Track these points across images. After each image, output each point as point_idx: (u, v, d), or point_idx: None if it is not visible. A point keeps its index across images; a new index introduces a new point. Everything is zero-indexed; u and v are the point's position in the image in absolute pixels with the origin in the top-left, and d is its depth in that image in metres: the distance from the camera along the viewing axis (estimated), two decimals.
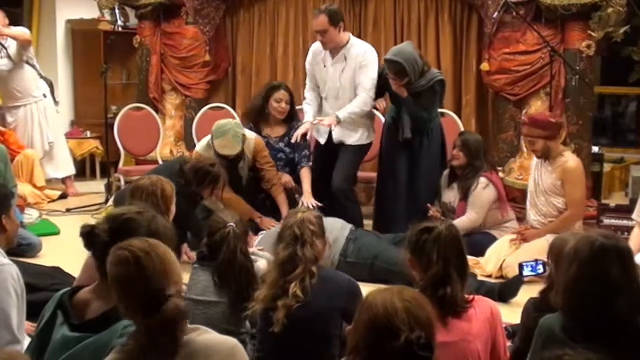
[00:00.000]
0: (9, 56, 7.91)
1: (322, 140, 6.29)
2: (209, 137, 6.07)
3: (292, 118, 6.49)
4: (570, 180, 5.47)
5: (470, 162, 5.94)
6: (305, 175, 6.18)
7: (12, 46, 7.93)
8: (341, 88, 6.19)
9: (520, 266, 4.49)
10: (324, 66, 6.24)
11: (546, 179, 5.54)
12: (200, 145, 6.22)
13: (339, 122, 6.06)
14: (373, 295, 2.23)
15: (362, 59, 6.10)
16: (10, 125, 8.09)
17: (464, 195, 5.92)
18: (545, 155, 5.55)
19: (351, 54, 6.13)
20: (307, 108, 6.33)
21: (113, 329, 2.48)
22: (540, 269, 4.36)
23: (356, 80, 6.13)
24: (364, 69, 6.10)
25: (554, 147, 5.54)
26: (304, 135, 6.16)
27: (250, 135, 6.15)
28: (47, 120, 8.22)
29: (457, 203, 5.99)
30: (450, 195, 6.09)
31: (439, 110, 6.46)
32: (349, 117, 6.09)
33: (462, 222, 5.79)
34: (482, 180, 5.91)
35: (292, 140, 6.22)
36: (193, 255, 5.19)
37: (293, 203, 6.05)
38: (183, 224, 5.01)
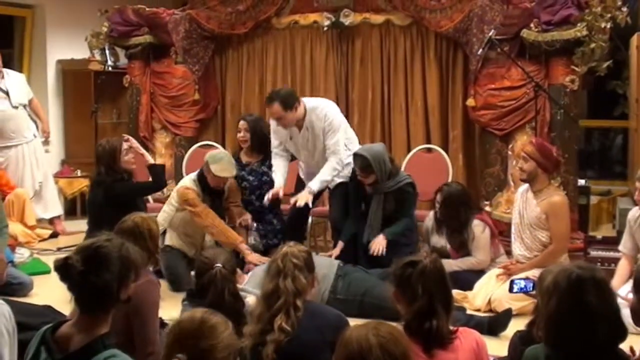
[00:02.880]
0: (8, 99, 8.05)
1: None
2: (192, 175, 6.31)
3: (265, 145, 6.57)
4: (555, 214, 5.50)
5: (452, 217, 5.96)
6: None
7: (12, 90, 8.09)
8: (312, 151, 6.30)
9: (512, 282, 4.52)
10: (290, 138, 6.34)
11: (531, 212, 5.57)
12: (184, 182, 6.32)
13: (313, 193, 6.13)
14: (349, 332, 2.27)
15: (324, 124, 6.15)
16: (1, 165, 8.14)
17: (459, 247, 5.95)
18: (530, 180, 5.59)
19: (312, 122, 6.19)
20: (274, 176, 6.36)
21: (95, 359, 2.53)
22: (530, 287, 4.40)
23: (325, 145, 6.20)
24: (328, 132, 6.15)
25: (542, 179, 5.57)
26: (275, 197, 6.24)
27: None
28: (37, 160, 8.30)
29: (451, 249, 6.01)
30: (442, 241, 6.07)
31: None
32: (323, 185, 6.19)
33: (470, 264, 5.89)
34: (478, 223, 5.95)
35: (265, 202, 6.28)
36: (245, 277, 5.47)
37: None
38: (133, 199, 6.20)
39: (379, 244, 5.86)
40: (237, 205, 6.45)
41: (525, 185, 5.71)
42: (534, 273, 4.54)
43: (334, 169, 6.15)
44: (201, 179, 6.18)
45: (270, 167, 6.48)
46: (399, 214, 6.05)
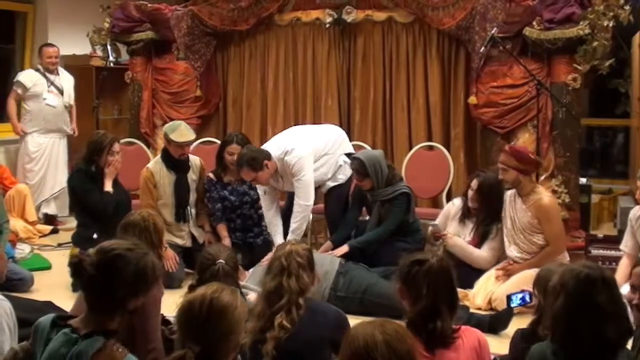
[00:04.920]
0: (61, 97, 8.35)
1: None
2: (155, 158, 6.60)
3: None
4: (546, 217, 5.49)
5: (485, 207, 5.87)
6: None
7: (66, 90, 8.40)
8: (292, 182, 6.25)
9: (508, 298, 4.51)
10: (264, 193, 6.36)
11: (522, 217, 5.55)
12: (150, 165, 6.52)
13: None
14: (355, 328, 2.27)
15: (292, 170, 6.12)
16: (32, 154, 8.32)
17: (481, 239, 5.87)
18: (515, 187, 5.57)
19: (284, 170, 6.18)
20: (273, 237, 6.30)
21: None
22: (527, 298, 4.40)
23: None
24: (294, 177, 6.13)
25: (525, 183, 5.55)
26: None
27: (195, 157, 6.66)
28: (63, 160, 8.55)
29: (472, 239, 5.94)
30: (460, 230, 5.99)
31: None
32: (297, 232, 6.15)
33: (477, 257, 5.82)
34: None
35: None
36: (247, 273, 5.45)
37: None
38: (86, 202, 6.29)
39: (338, 251, 5.88)
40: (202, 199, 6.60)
41: (513, 190, 5.68)
42: (528, 283, 4.47)
43: (298, 213, 6.13)
44: (164, 157, 6.39)
45: (250, 186, 6.48)
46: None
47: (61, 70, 8.48)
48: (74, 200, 6.59)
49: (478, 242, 5.88)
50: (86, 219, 6.33)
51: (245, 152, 6.13)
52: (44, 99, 8.25)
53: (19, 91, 8.24)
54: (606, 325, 2.55)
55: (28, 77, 8.27)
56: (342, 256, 5.77)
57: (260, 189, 6.35)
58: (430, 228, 6.03)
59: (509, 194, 5.74)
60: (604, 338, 2.55)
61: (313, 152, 6.21)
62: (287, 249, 3.52)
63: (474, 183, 5.92)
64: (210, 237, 6.43)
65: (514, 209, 5.61)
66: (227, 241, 6.31)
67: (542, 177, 6.74)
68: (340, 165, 6.39)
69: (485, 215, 5.87)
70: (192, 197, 6.47)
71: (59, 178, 8.43)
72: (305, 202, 6.11)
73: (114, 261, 2.66)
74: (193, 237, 6.45)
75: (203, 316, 2.54)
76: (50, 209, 8.38)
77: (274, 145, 6.24)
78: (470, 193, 5.94)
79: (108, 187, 6.33)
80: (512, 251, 5.65)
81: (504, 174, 5.56)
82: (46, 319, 2.72)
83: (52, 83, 8.30)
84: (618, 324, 2.58)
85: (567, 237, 6.31)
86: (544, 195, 5.60)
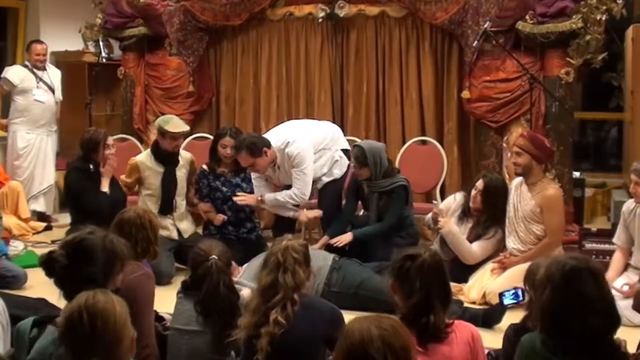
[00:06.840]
0: (52, 93, 8.36)
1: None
2: (146, 151, 6.69)
3: None
4: (549, 208, 5.50)
5: (488, 209, 5.81)
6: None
7: (55, 83, 8.42)
8: (289, 175, 6.24)
9: (501, 295, 4.51)
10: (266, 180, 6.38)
11: (525, 205, 5.57)
12: (139, 156, 6.54)
13: (262, 202, 6.25)
14: (351, 323, 2.28)
15: (293, 162, 6.12)
16: (21, 150, 8.29)
17: (476, 238, 5.82)
18: (525, 173, 5.58)
19: (283, 161, 6.18)
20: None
21: None
22: (520, 296, 4.40)
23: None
24: (295, 167, 6.12)
25: (536, 171, 5.57)
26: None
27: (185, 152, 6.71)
28: (51, 157, 8.52)
29: (467, 237, 5.87)
30: (461, 229, 5.90)
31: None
32: (273, 203, 6.22)
33: (468, 252, 5.76)
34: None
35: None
36: (240, 269, 5.46)
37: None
38: (82, 201, 6.24)
39: (342, 239, 5.87)
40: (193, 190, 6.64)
41: (519, 178, 5.68)
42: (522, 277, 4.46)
43: (290, 197, 6.15)
44: (155, 150, 6.39)
45: (243, 179, 6.50)
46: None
47: (49, 65, 8.46)
48: (69, 199, 6.57)
49: (472, 240, 5.84)
50: (81, 217, 6.31)
51: (245, 136, 6.15)
52: (33, 94, 8.23)
53: (5, 87, 8.23)
54: (593, 315, 2.57)
55: (15, 73, 8.24)
56: (337, 251, 5.76)
57: (255, 180, 6.34)
58: (434, 209, 5.98)
59: (515, 182, 5.75)
60: (591, 327, 2.57)
61: (312, 145, 6.20)
62: (284, 245, 3.51)
63: (479, 183, 5.87)
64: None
65: (519, 197, 5.62)
66: (220, 217, 6.36)
67: None
68: (337, 160, 6.38)
69: (487, 217, 5.83)
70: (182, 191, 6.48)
71: (47, 174, 8.41)
72: (301, 193, 6.11)
73: (82, 245, 2.69)
74: (179, 231, 6.43)
75: (87, 328, 2.41)
76: (39, 206, 8.35)
77: (274, 136, 6.24)
78: (473, 192, 5.89)
79: (105, 187, 6.32)
80: (510, 242, 5.66)
81: (518, 158, 5.56)
82: (25, 322, 2.73)
83: (41, 79, 8.27)
84: (605, 313, 2.60)
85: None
86: (551, 186, 5.64)
